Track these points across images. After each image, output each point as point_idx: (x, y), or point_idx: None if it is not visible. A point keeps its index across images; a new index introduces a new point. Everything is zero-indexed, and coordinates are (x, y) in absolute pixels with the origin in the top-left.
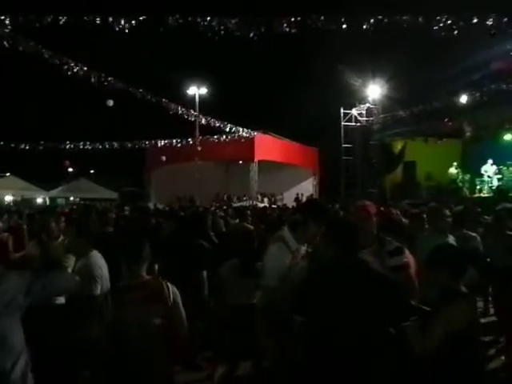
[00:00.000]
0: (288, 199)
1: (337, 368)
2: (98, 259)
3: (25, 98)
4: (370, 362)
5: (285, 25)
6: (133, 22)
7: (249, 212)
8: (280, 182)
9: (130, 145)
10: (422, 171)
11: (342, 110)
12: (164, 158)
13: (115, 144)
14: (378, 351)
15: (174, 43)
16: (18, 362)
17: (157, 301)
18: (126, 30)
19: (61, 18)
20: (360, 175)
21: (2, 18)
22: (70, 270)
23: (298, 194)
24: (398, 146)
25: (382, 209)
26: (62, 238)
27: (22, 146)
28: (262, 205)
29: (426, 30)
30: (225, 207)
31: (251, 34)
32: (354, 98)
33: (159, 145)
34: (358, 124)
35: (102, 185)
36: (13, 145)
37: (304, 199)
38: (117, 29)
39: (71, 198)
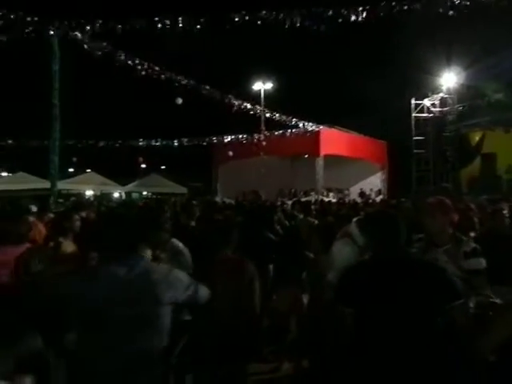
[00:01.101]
0: (355, 194)
1: (385, 360)
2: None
3: (103, 99)
4: (419, 353)
5: (352, 14)
6: (201, 19)
7: (313, 207)
8: (346, 176)
9: (197, 141)
10: (502, 164)
11: (413, 101)
12: (230, 153)
13: (184, 140)
14: (428, 342)
15: (239, 40)
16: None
17: (238, 273)
18: (193, 29)
19: (132, 20)
20: (433, 169)
21: (83, 21)
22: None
23: (362, 189)
24: (476, 137)
25: (459, 205)
26: None
27: (101, 144)
28: (327, 199)
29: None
30: (290, 202)
31: (316, 27)
32: (427, 88)
33: (226, 140)
34: (431, 115)
35: (172, 180)
36: (91, 142)
37: (372, 194)
38: (185, 28)
39: (144, 193)
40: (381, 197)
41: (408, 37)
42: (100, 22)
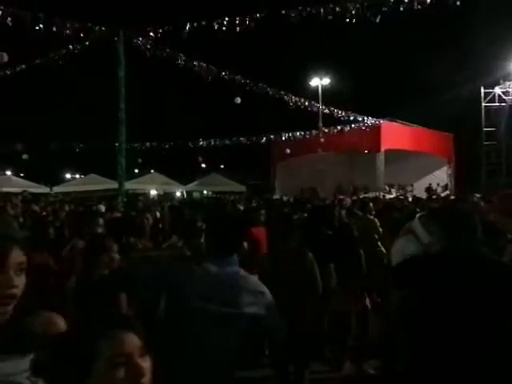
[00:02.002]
0: (419, 190)
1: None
2: None
3: (165, 102)
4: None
5: (415, 2)
6: (257, 14)
7: (372, 204)
8: (410, 171)
9: (256, 139)
10: None
11: (482, 90)
12: (288, 151)
13: (242, 139)
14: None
15: (295, 37)
16: None
17: (300, 261)
18: (249, 27)
19: (191, 23)
20: (505, 161)
21: (145, 28)
22: None
23: (431, 184)
24: None
25: None
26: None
27: (164, 146)
28: (389, 196)
29: None
30: (349, 199)
31: (375, 17)
32: (498, 75)
33: (283, 138)
34: (503, 104)
35: (232, 178)
36: (154, 143)
37: (438, 190)
38: (241, 27)
39: (204, 192)
40: (447, 192)
41: (476, 20)
42: (161, 27)
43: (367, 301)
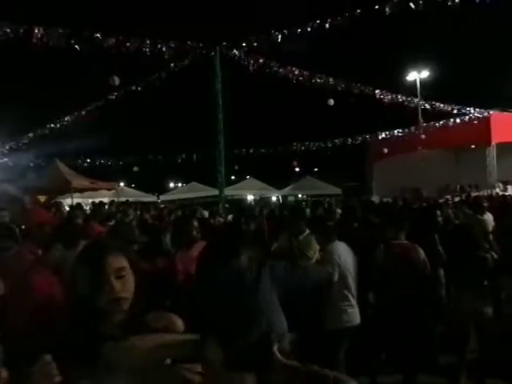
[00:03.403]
0: None
1: None
2: (339, 248)
3: (259, 109)
4: None
5: None
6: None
7: (485, 203)
8: None
9: (351, 140)
10: None
11: None
12: (386, 150)
13: (337, 141)
14: None
15: (389, 34)
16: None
17: (412, 256)
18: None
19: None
20: None
21: (239, 39)
22: (314, 259)
23: None
24: None
25: None
26: (307, 232)
27: (259, 152)
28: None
29: None
30: (457, 199)
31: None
32: None
33: (380, 137)
34: None
35: (326, 181)
36: (251, 150)
37: None
38: (333, 28)
39: (299, 196)
40: None
41: None
42: (253, 37)
43: (489, 309)
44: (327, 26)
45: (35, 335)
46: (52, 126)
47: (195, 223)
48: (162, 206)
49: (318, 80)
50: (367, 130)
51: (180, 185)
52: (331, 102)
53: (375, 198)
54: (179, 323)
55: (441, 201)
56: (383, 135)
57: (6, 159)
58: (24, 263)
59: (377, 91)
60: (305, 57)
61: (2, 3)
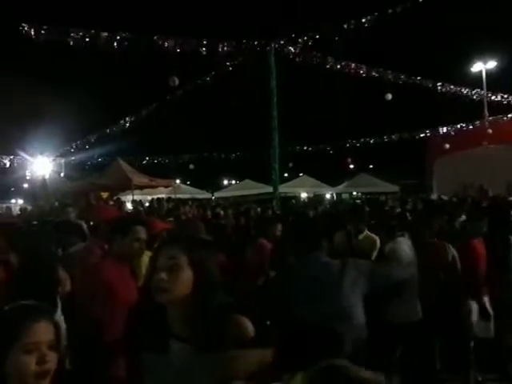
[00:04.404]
0: None
1: None
2: (402, 244)
3: (314, 106)
4: None
5: None
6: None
7: None
8: None
9: (409, 136)
10: None
11: None
12: (447, 146)
13: (394, 137)
14: None
15: (450, 23)
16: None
17: (440, 253)
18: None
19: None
20: None
21: (293, 36)
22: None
23: None
24: None
25: None
26: (366, 231)
27: (311, 149)
28: None
29: None
30: None
31: None
32: None
33: (441, 132)
34: None
35: (383, 178)
36: (305, 147)
37: None
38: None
39: (354, 193)
40: None
41: None
42: (308, 33)
43: None
44: (385, 16)
45: (106, 324)
46: (114, 126)
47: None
48: (214, 203)
49: (375, 74)
50: (427, 125)
51: (234, 182)
52: (389, 96)
53: (435, 196)
54: (250, 328)
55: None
56: (445, 130)
57: (72, 158)
58: (92, 257)
59: (438, 84)
60: (362, 51)
61: (70, 9)
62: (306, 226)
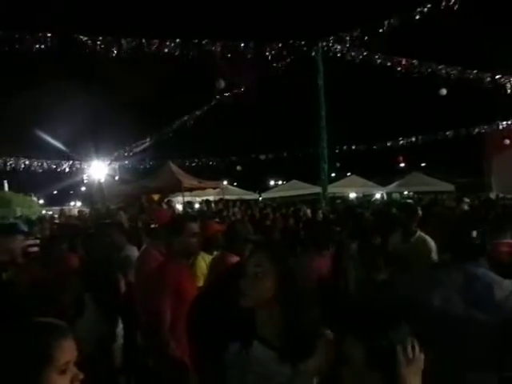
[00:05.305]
0: None
1: None
2: None
3: (362, 104)
4: None
5: None
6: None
7: None
8: None
9: (465, 132)
10: None
11: None
12: (507, 142)
13: (448, 133)
14: None
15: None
16: None
17: None
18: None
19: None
20: None
21: (341, 34)
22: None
23: None
24: None
25: None
26: (418, 233)
27: (362, 148)
28: None
29: None
30: None
31: None
32: None
33: (500, 127)
34: None
35: (436, 177)
36: (353, 147)
37: None
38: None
39: (405, 193)
40: None
41: None
42: (355, 30)
43: None
44: (437, 8)
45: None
46: (164, 130)
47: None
48: (262, 204)
49: (429, 69)
50: (484, 120)
51: (280, 183)
52: (443, 91)
53: (493, 195)
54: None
55: None
56: (504, 125)
57: (126, 162)
58: (152, 260)
59: (497, 76)
60: (413, 45)
61: (119, 18)
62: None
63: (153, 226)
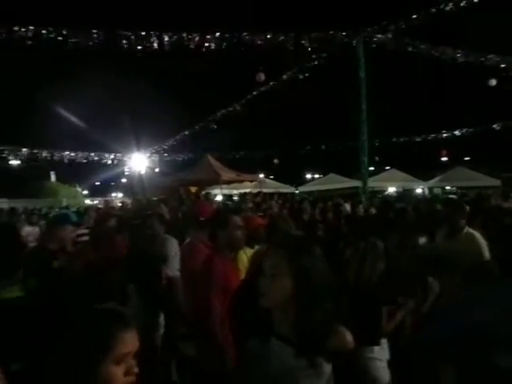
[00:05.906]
0: None
1: None
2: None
3: (403, 96)
4: None
5: None
6: None
7: None
8: None
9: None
10: None
11: None
12: None
13: (495, 126)
14: None
15: None
16: None
17: None
18: None
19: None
20: None
21: (384, 23)
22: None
23: None
24: None
25: None
26: (466, 229)
27: (403, 141)
28: None
29: None
30: None
31: None
32: None
33: None
34: None
35: (481, 172)
36: (394, 139)
37: None
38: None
39: (447, 188)
40: None
41: None
42: (396, 21)
43: None
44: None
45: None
46: (203, 123)
47: None
48: (299, 198)
49: (474, 59)
50: None
51: (317, 176)
52: (493, 82)
53: None
54: (350, 340)
55: None
56: None
57: (165, 154)
58: (199, 253)
59: None
60: (458, 34)
61: (161, 14)
62: None
63: (196, 219)
